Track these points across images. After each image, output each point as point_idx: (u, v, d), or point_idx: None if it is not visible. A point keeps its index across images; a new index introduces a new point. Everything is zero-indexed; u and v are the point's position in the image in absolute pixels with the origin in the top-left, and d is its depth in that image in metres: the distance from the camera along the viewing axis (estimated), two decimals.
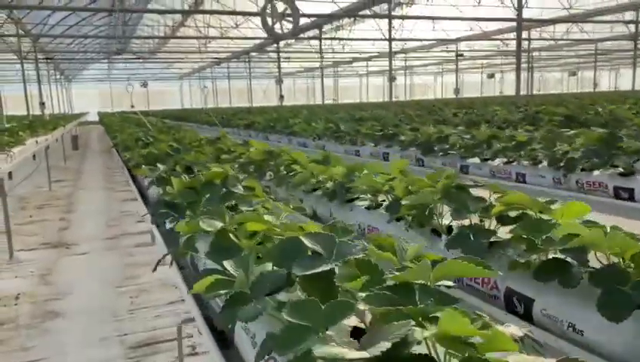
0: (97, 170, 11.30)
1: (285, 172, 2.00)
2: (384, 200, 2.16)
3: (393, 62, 35.67)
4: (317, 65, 35.66)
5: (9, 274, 4.37)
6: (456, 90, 24.13)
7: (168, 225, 1.76)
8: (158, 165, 1.86)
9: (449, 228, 2.86)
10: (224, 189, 1.44)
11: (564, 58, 38.72)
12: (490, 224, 2.69)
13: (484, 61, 37.15)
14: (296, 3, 10.09)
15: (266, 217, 1.36)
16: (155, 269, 3.02)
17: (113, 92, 43.67)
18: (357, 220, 2.11)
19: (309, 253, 1.31)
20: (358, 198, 2.05)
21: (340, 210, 2.14)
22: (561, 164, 4.58)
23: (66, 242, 5.37)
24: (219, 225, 1.34)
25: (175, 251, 2.00)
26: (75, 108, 40.98)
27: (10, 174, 10.61)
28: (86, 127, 29.73)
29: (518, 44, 12.70)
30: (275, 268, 1.31)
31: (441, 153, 3.18)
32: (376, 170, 1.97)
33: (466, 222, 2.62)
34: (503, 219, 2.47)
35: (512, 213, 2.53)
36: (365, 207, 2.10)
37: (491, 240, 2.50)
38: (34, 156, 12.71)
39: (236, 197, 1.45)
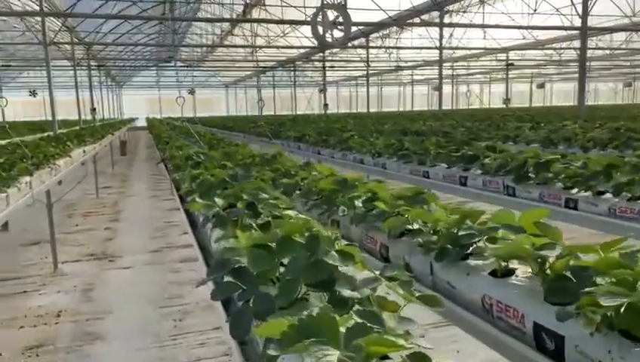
0: (143, 177, 11.34)
1: (364, 209, 1.59)
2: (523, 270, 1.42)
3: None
4: (360, 73, 35.41)
5: (52, 289, 4.23)
6: (506, 100, 23.30)
7: (237, 303, 1.22)
8: (216, 200, 1.59)
9: None
10: (309, 253, 1.06)
11: (620, 68, 37.01)
12: None
13: (534, 70, 35.94)
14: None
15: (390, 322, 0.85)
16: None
17: (162, 98, 44.67)
18: (479, 291, 1.49)
19: None
20: (472, 254, 1.43)
21: (449, 271, 1.48)
22: None
23: (111, 254, 5.24)
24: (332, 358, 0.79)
25: None
26: (125, 114, 42.18)
27: (59, 181, 10.80)
28: (135, 132, 30.46)
29: (583, 52, 11.99)
30: None
31: (537, 182, 2.64)
32: (504, 219, 1.41)
33: None
34: None
35: None
36: (490, 273, 1.46)
37: None
38: (82, 162, 12.93)
39: (329, 270, 1.01)
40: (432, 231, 1.50)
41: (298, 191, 1.95)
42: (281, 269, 1.15)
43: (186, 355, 3.05)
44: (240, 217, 1.53)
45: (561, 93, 50.46)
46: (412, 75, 37.03)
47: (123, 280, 4.42)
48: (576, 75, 41.04)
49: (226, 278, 1.12)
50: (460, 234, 1.40)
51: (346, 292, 0.95)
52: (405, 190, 1.59)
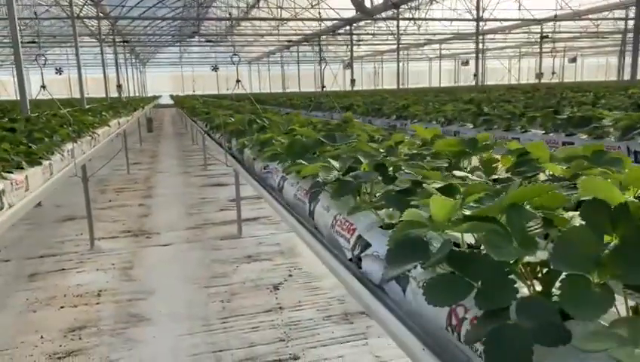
0: (172, 153, 11.17)
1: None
2: None
3: (468, 45, 33.99)
4: (386, 48, 34.58)
5: (90, 266, 4.04)
6: (539, 75, 22.43)
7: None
8: (331, 161, 1.29)
9: None
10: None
11: None
12: None
13: (568, 44, 34.64)
14: None
15: None
16: None
17: (185, 76, 44.50)
18: None
19: None
20: None
21: None
22: None
23: (147, 230, 5.04)
24: None
25: None
26: (149, 92, 42.18)
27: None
28: (159, 110, 30.41)
29: (638, 18, 11.20)
30: None
31: None
32: None
33: None
34: None
35: None
36: None
37: None
38: (120, 132, 12.80)
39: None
40: None
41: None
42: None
43: (238, 341, 2.81)
44: (371, 182, 1.23)
45: (592, 68, 48.76)
46: (440, 49, 36.05)
47: (162, 258, 4.21)
48: (610, 49, 39.29)
49: (440, 270, 0.79)
50: None
51: None
52: (579, 149, 1.25)
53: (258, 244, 4.48)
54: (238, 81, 5.04)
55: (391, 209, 1.15)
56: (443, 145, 1.38)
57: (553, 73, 22.04)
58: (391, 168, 1.23)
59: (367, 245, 1.16)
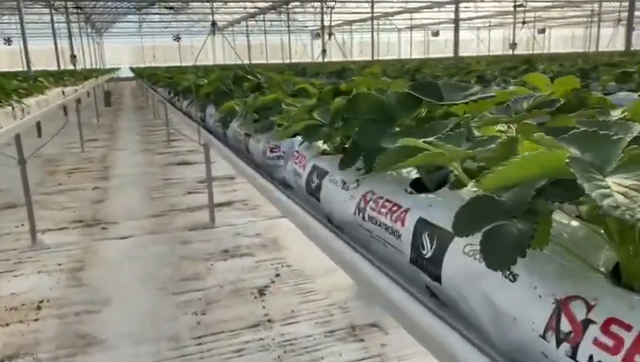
0: (133, 128, 10.26)
1: None
2: None
3: (439, 15, 33.39)
4: (356, 18, 33.60)
5: (31, 268, 3.30)
6: (513, 45, 22.06)
7: None
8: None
9: None
10: None
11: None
12: None
13: (538, 14, 34.41)
14: None
15: None
16: None
17: (144, 47, 42.49)
18: None
19: None
20: None
21: None
22: None
23: (102, 219, 4.30)
24: None
25: None
26: (107, 64, 40.06)
27: (39, 131, 9.67)
28: (119, 83, 28.81)
29: None
30: None
31: None
32: None
33: None
34: None
35: None
36: None
37: None
38: (65, 111, 11.73)
39: None
40: None
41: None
42: None
43: None
44: None
45: (558, 40, 48.97)
46: (411, 19, 35.31)
47: (121, 255, 3.51)
48: (577, 20, 39.41)
49: None
50: None
51: None
52: None
53: (235, 235, 3.81)
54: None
55: None
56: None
57: (515, 44, 21.53)
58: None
59: None
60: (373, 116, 1.01)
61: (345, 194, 1.06)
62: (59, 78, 6.65)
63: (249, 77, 2.17)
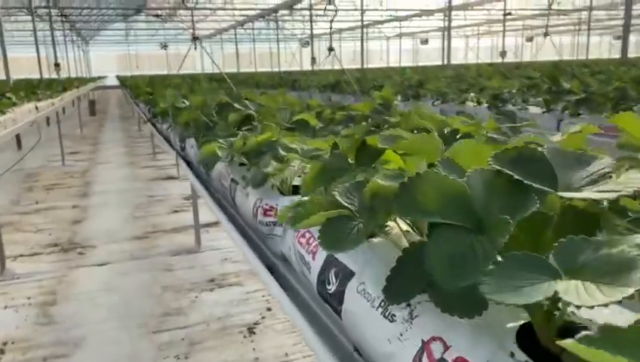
0: (117, 140, 9.93)
1: None
2: None
3: (428, 22, 33.44)
4: (346, 26, 33.49)
5: None
6: (503, 53, 22.03)
7: None
8: None
9: None
10: None
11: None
12: None
13: (527, 22, 34.56)
14: None
15: None
16: None
17: (131, 55, 42.05)
18: None
19: None
20: None
21: None
22: None
23: (80, 243, 4.00)
24: None
25: None
26: (94, 72, 39.55)
27: (19, 144, 9.31)
28: (105, 92, 28.36)
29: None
30: None
31: None
32: None
33: None
34: None
35: None
36: None
37: None
38: (47, 122, 11.37)
39: None
40: None
41: None
42: None
43: None
44: None
45: (547, 48, 49.24)
46: (400, 27, 35.29)
47: (98, 286, 3.21)
48: (564, 28, 39.83)
49: None
50: None
51: None
52: None
53: (222, 261, 3.54)
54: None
55: None
56: None
57: (504, 52, 21.51)
58: None
59: None
60: (446, 217, 0.61)
61: (388, 326, 0.68)
62: (31, 92, 6.31)
63: (236, 105, 1.89)
